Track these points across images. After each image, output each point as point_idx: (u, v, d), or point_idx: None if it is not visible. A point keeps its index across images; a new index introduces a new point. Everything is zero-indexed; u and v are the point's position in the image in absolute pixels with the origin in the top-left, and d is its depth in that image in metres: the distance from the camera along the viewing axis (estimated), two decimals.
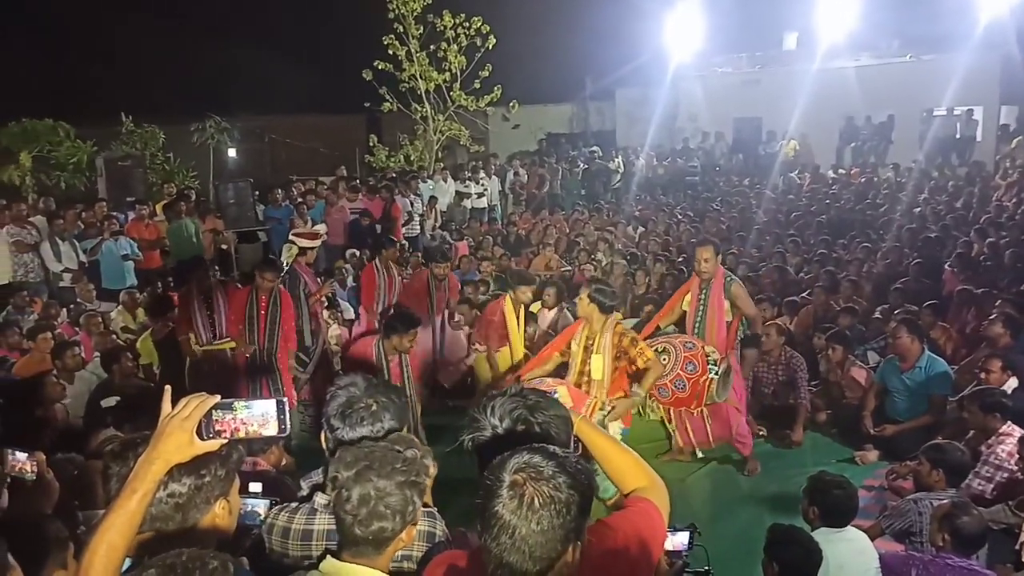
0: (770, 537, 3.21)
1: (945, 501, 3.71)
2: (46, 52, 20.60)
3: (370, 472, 1.78)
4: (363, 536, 1.77)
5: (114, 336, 7.83)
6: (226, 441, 1.66)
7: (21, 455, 2.44)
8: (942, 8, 18.41)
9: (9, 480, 2.43)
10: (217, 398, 1.65)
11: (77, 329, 7.88)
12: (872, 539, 3.74)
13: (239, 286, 7.55)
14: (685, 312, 5.94)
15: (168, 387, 1.72)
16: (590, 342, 5.03)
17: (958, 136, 18.67)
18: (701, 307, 5.75)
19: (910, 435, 5.58)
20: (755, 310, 5.92)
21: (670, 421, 5.92)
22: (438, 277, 7.35)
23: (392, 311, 6.60)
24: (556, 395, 4.46)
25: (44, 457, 2.51)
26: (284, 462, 4.09)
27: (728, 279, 5.77)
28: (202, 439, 1.62)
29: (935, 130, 18.75)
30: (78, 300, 8.95)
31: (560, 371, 5.25)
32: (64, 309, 8.53)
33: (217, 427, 1.63)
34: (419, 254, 11.24)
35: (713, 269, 5.69)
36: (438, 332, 7.36)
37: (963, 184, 14.91)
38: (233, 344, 6.42)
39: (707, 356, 5.40)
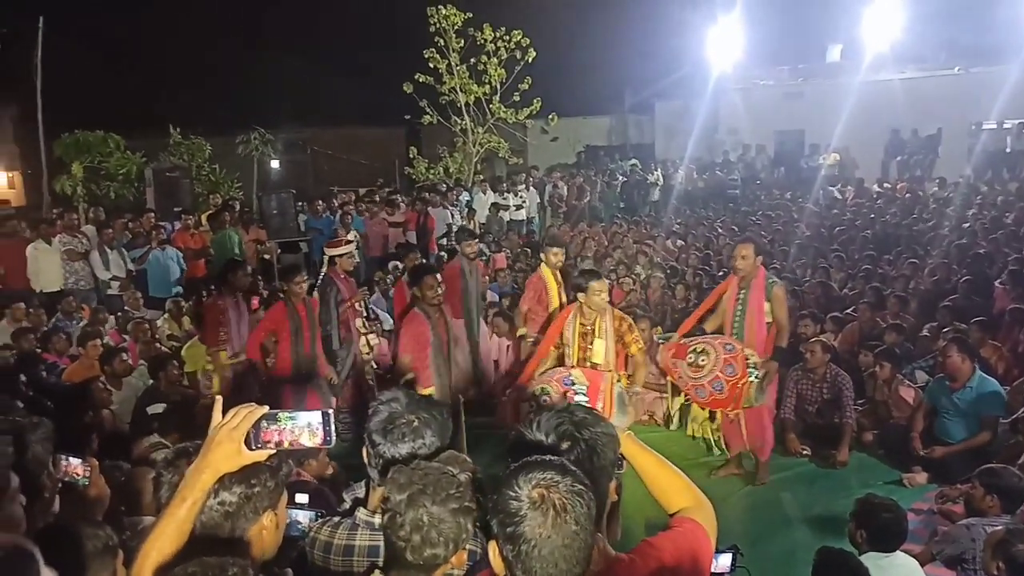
0: (818, 560, 3.14)
1: (999, 528, 3.59)
2: (98, 66, 21.21)
3: (424, 497, 1.77)
4: (414, 562, 1.77)
5: (158, 344, 7.98)
6: (273, 451, 1.68)
7: (75, 460, 2.48)
8: (991, 19, 18.05)
9: (60, 485, 2.47)
10: (265, 408, 1.67)
11: (124, 336, 8.05)
12: (922, 565, 3.64)
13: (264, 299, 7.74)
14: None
15: (219, 396, 1.75)
16: (586, 328, 5.09)
17: (1008, 150, 18.23)
18: (739, 307, 5.53)
19: (961, 457, 5.42)
20: (787, 319, 5.54)
21: (715, 427, 5.87)
22: (469, 256, 7.19)
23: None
24: (572, 378, 4.60)
25: (97, 463, 2.55)
26: (329, 471, 4.11)
27: (770, 280, 5.53)
28: (250, 449, 1.64)
29: (984, 144, 18.32)
30: (125, 308, 9.14)
31: (558, 365, 5.23)
32: (112, 316, 8.73)
33: (264, 437, 1.65)
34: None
35: (751, 267, 5.47)
36: (475, 327, 7.13)
37: (1014, 199, 14.52)
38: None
39: (747, 359, 5.30)
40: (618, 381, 4.88)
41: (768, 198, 17.98)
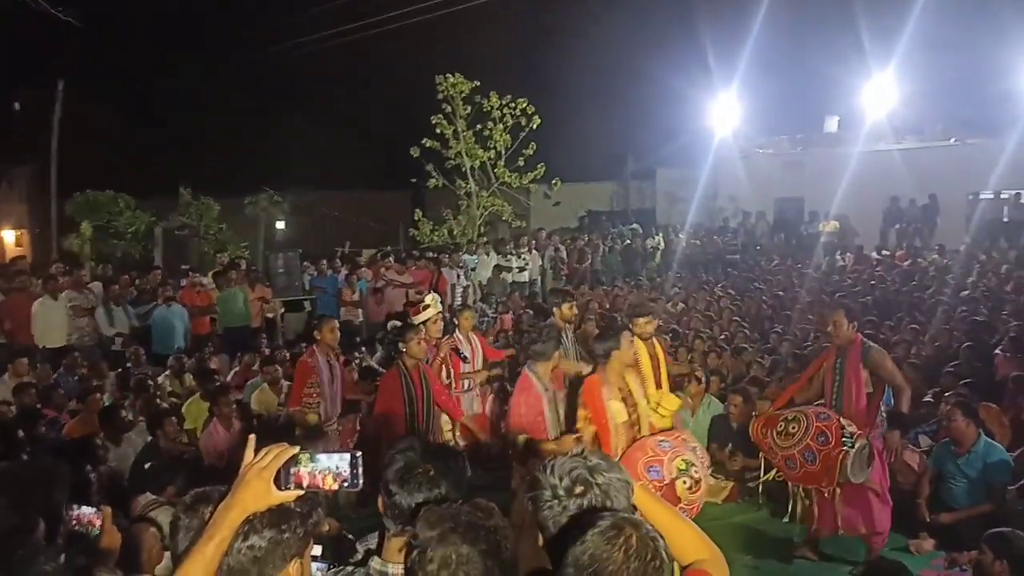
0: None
1: None
2: (112, 127, 21.70)
3: (454, 535, 1.76)
4: None
5: (159, 400, 7.96)
6: (302, 492, 1.68)
7: (88, 509, 2.48)
8: (986, 94, 18.52)
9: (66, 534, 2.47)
10: (296, 449, 1.68)
11: (125, 393, 8.04)
12: None
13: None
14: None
15: (252, 436, 1.76)
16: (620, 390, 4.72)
17: (1006, 219, 18.43)
18: (837, 377, 5.28)
19: (968, 524, 5.34)
20: (902, 380, 5.28)
21: (804, 500, 5.41)
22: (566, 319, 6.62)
23: None
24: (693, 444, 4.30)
25: (110, 511, 2.54)
26: (326, 528, 4.06)
27: (866, 346, 5.27)
28: (280, 490, 1.64)
29: (982, 213, 18.54)
30: (128, 364, 9.16)
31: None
32: (113, 373, 8.73)
33: (294, 479, 1.66)
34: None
35: (847, 335, 5.25)
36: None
37: (1013, 267, 14.63)
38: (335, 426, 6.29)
39: (842, 428, 4.96)
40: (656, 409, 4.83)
41: (768, 263, 18.11)
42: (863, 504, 5.18)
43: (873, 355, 5.20)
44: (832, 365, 5.33)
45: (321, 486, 1.68)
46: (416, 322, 6.49)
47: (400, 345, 5.89)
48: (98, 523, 2.48)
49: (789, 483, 5.40)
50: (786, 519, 5.56)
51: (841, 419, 5.04)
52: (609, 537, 1.49)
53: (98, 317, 9.73)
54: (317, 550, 2.28)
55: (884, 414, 5.44)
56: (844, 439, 4.92)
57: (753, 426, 5.52)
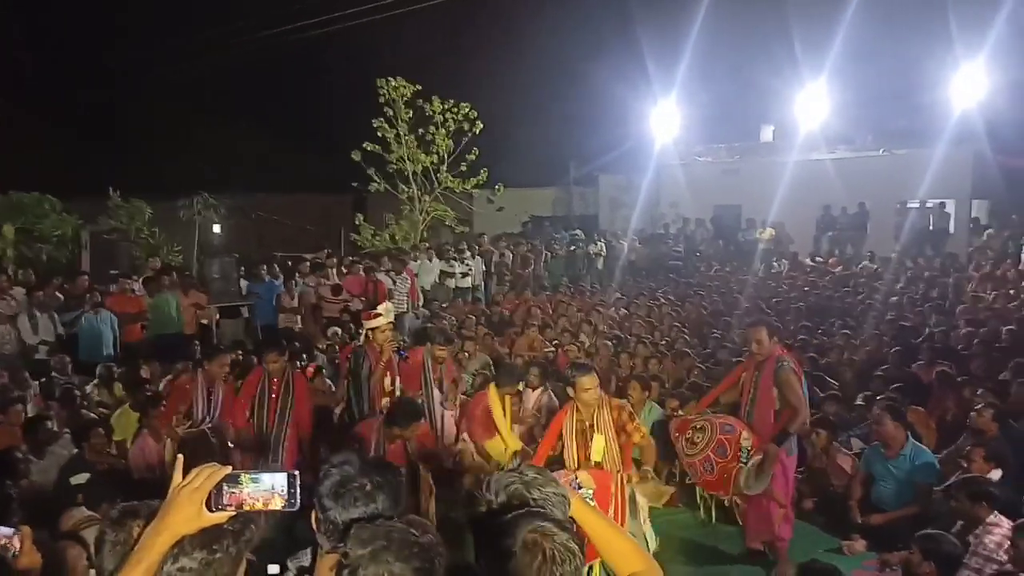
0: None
1: None
2: (35, 127, 20.88)
3: (387, 553, 1.72)
4: None
5: (85, 410, 7.65)
6: (233, 514, 1.62)
7: (6, 530, 2.37)
8: (915, 104, 19.25)
9: None
10: (228, 469, 1.62)
11: (50, 403, 7.70)
12: None
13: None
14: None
15: (180, 456, 1.69)
16: (584, 424, 4.82)
17: (931, 228, 19.17)
18: (752, 389, 5.35)
19: (898, 525, 5.51)
20: (799, 403, 5.12)
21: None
22: (437, 360, 7.05)
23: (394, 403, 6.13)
24: (578, 480, 4.27)
25: (29, 531, 2.42)
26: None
27: (779, 363, 5.21)
28: (211, 511, 1.58)
29: (910, 222, 19.25)
30: (53, 373, 8.78)
31: (556, 466, 4.93)
32: (36, 382, 8.36)
33: (227, 500, 1.60)
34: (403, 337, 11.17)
35: (765, 351, 5.26)
36: (436, 413, 7.04)
37: (938, 275, 15.23)
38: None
39: (740, 444, 5.08)
40: (628, 481, 4.69)
41: (707, 269, 18.45)
42: (761, 511, 5.28)
43: (782, 374, 5.16)
44: (751, 377, 5.41)
45: (252, 507, 1.61)
46: (366, 327, 6.75)
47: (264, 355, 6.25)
48: (17, 544, 2.36)
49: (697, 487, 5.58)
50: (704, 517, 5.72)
51: (743, 433, 5.15)
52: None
53: (20, 324, 9.31)
54: (274, 569, 2.20)
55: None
56: (741, 452, 5.07)
57: (671, 427, 5.67)
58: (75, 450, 6.30)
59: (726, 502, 5.43)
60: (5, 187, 14.94)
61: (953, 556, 4.13)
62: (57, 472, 6.00)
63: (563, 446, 4.90)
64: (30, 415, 6.85)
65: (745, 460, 5.04)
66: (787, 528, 5.32)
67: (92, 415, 7.52)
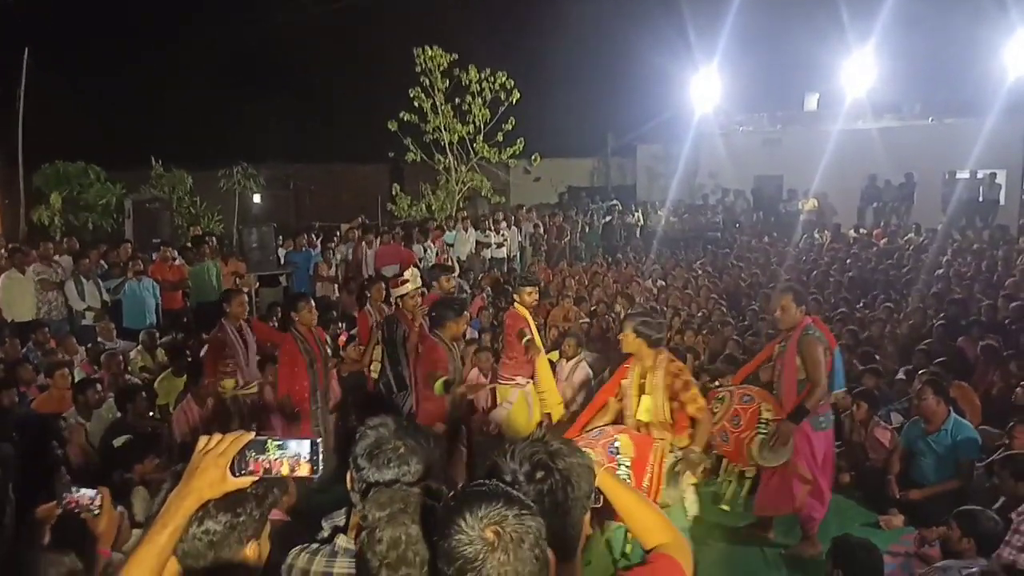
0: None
1: (975, 570, 3.58)
2: (80, 96, 21.23)
3: (404, 516, 1.77)
4: None
5: (128, 376, 7.84)
6: (257, 479, 1.64)
7: (88, 491, 2.46)
8: (965, 73, 18.64)
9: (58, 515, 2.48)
10: (252, 435, 1.64)
11: (96, 367, 7.91)
12: None
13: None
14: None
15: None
16: (643, 380, 4.64)
17: (981, 199, 18.61)
18: (780, 362, 5.14)
19: (937, 500, 5.41)
20: (818, 377, 4.84)
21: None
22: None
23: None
24: (617, 444, 4.11)
25: (108, 491, 2.52)
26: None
27: (805, 332, 4.93)
28: (235, 476, 1.60)
29: (958, 192, 18.72)
30: (99, 339, 9.00)
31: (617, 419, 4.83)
32: (83, 347, 8.59)
33: (251, 465, 1.61)
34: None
35: (791, 320, 5.00)
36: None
37: (987, 247, 14.80)
38: (255, 389, 6.42)
39: (759, 414, 4.92)
40: (672, 451, 4.53)
41: (747, 241, 18.17)
42: (784, 486, 5.08)
43: (804, 343, 4.92)
44: (780, 348, 5.20)
45: (277, 474, 1.63)
46: (394, 295, 6.81)
47: (292, 314, 6.30)
48: (97, 503, 2.45)
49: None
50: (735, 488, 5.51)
51: (763, 405, 5.00)
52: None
53: (68, 291, 9.54)
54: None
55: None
56: (760, 423, 4.92)
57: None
58: (118, 414, 6.46)
59: (747, 473, 5.30)
60: (52, 157, 15.27)
61: (993, 533, 4.04)
62: (101, 435, 6.18)
63: (623, 397, 4.77)
64: (80, 379, 7.06)
65: (764, 431, 4.91)
66: (817, 506, 5.14)
67: (135, 380, 7.71)
